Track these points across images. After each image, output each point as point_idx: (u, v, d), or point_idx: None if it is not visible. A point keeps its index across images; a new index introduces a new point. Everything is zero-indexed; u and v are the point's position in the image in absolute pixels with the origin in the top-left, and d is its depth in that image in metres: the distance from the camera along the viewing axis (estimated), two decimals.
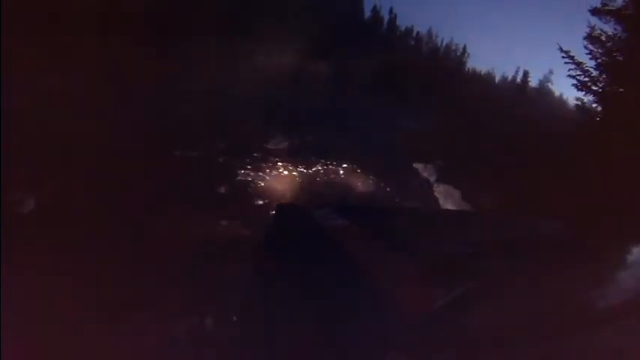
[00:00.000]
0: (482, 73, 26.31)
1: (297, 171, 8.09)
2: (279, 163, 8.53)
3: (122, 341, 2.34)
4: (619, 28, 4.39)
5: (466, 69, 25.39)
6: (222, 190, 6.60)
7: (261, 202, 6.47)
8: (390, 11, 24.49)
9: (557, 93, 23.98)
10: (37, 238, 3.18)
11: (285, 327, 0.91)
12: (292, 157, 8.52)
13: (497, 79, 26.55)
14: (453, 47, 25.82)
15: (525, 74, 23.18)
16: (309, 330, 0.86)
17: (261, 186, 7.38)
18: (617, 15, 4.38)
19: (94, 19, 8.13)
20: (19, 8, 6.53)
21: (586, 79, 4.72)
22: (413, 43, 24.87)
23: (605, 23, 4.44)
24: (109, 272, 2.89)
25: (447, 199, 7.16)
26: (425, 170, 9.22)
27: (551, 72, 23.49)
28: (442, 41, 26.30)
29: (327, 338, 0.82)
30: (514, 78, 24.69)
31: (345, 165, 8.20)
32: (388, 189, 7.17)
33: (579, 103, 4.84)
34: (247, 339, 1.01)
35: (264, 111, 9.94)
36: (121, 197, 4.51)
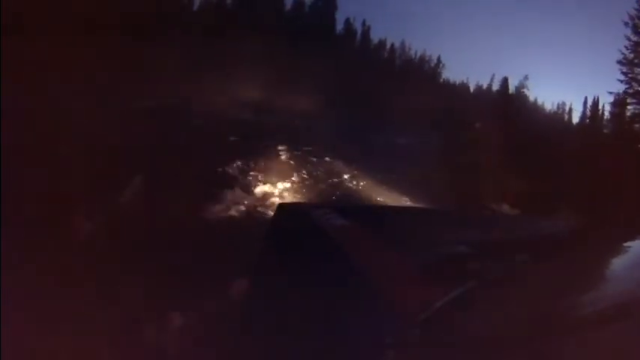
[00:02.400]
0: (457, 82, 26.14)
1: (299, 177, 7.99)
2: (279, 166, 8.47)
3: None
4: None
5: (441, 79, 25.20)
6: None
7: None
8: (363, 23, 24.12)
9: (531, 98, 24.09)
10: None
11: (284, 327, 0.91)
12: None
13: (472, 87, 26.41)
14: (427, 58, 25.62)
15: (505, 81, 23.16)
16: (308, 330, 0.86)
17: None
18: None
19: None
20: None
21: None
22: (386, 55, 24.65)
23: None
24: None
25: None
26: None
27: (526, 77, 23.53)
28: (416, 53, 25.86)
29: (327, 338, 0.82)
30: (490, 86, 24.65)
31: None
32: None
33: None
34: (246, 339, 1.01)
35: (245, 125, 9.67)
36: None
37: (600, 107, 21.94)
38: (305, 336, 0.86)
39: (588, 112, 22.75)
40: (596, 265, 1.24)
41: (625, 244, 1.44)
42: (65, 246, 3.40)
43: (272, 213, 1.69)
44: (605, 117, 21.32)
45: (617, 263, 1.24)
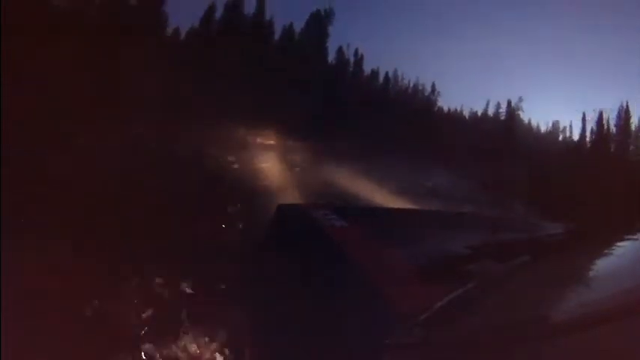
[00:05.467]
0: (451, 109, 25.57)
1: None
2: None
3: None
4: None
5: (436, 108, 24.54)
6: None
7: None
8: (356, 53, 23.61)
9: (525, 120, 24.00)
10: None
11: (284, 327, 0.91)
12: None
13: (467, 114, 25.86)
14: (420, 87, 24.90)
15: (509, 104, 23.03)
16: (308, 330, 0.86)
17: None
18: None
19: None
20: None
21: None
22: (380, 84, 24.03)
23: None
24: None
25: None
26: None
27: (521, 99, 23.32)
28: (409, 81, 25.10)
29: (327, 338, 0.82)
30: (485, 111, 24.38)
31: None
32: None
33: None
34: (246, 339, 1.01)
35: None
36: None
37: (605, 121, 21.95)
38: (305, 336, 0.86)
39: (589, 128, 22.71)
40: (596, 265, 1.24)
41: (624, 244, 1.44)
42: None
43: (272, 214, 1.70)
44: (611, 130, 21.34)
45: (617, 263, 1.24)
